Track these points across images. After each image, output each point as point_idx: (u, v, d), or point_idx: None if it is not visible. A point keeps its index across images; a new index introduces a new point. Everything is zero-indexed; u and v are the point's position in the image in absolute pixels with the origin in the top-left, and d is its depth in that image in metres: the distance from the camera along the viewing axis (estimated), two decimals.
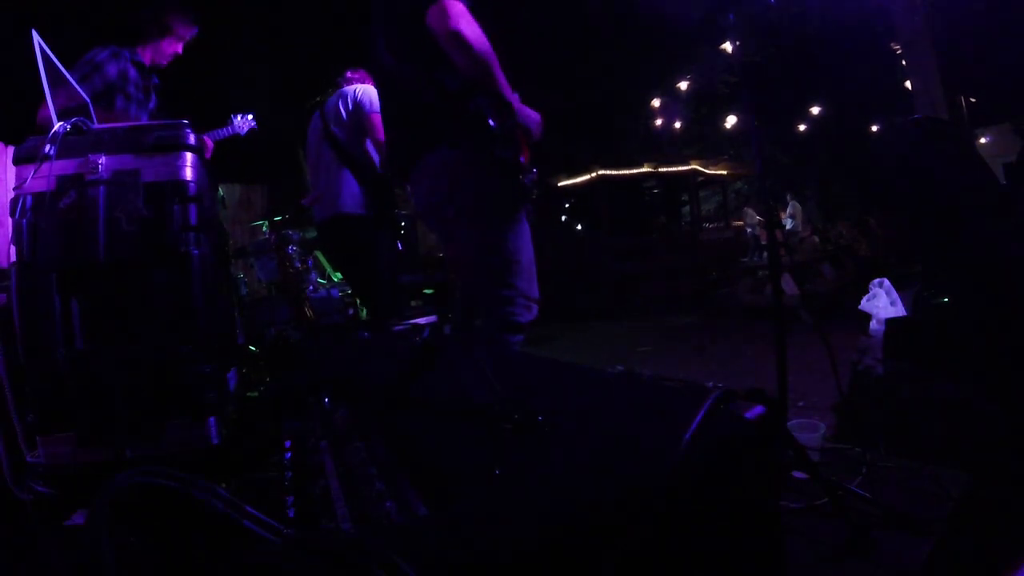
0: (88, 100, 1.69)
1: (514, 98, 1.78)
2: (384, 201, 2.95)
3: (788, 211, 10.59)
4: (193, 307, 1.20)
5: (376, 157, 2.92)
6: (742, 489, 0.55)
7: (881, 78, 10.71)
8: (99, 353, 1.14)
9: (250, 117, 3.04)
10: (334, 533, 0.57)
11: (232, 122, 2.98)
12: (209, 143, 2.77)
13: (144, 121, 2.51)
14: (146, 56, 2.55)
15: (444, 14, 1.59)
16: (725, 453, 0.54)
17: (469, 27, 1.61)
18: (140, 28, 2.53)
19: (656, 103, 11.88)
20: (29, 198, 1.16)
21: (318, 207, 3.03)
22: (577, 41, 10.19)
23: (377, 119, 2.80)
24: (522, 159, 1.79)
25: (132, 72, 2.46)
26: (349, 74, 3.05)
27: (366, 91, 2.91)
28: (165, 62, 2.64)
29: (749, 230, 9.82)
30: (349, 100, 2.93)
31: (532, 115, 1.86)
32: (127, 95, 2.44)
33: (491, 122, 1.68)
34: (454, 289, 2.10)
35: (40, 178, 1.15)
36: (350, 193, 2.87)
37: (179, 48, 2.65)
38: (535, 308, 1.85)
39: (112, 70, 2.37)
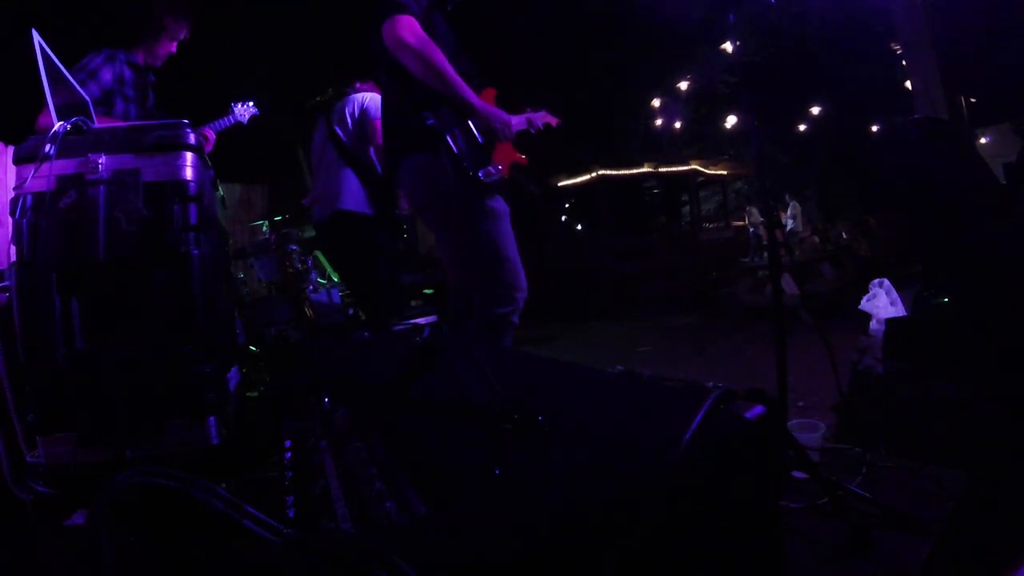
0: (88, 100, 1.69)
1: (476, 100, 1.88)
2: (385, 202, 2.97)
3: (789, 211, 10.59)
4: (193, 307, 1.20)
5: (378, 163, 2.94)
6: (742, 489, 0.55)
7: (881, 78, 10.71)
8: (99, 353, 1.14)
9: (251, 104, 2.99)
10: (334, 533, 0.57)
11: (233, 111, 2.93)
12: (211, 135, 2.76)
13: (142, 121, 2.51)
14: (140, 56, 2.55)
15: (392, 26, 1.76)
16: (725, 453, 0.54)
17: (413, 36, 1.76)
18: (134, 29, 2.53)
19: (656, 103, 11.87)
20: (29, 198, 1.16)
21: (318, 207, 3.04)
22: (577, 41, 10.19)
23: (380, 125, 2.83)
24: (486, 159, 1.91)
25: (128, 73, 2.47)
26: (359, 84, 3.09)
27: (374, 99, 2.96)
28: (159, 63, 2.64)
29: (752, 229, 9.81)
30: (356, 106, 2.98)
31: (499, 115, 1.96)
32: (125, 97, 2.45)
33: (446, 134, 1.82)
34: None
35: (40, 178, 1.15)
36: (350, 191, 2.89)
37: (173, 48, 2.65)
38: (521, 298, 1.95)
39: (107, 75, 2.38)
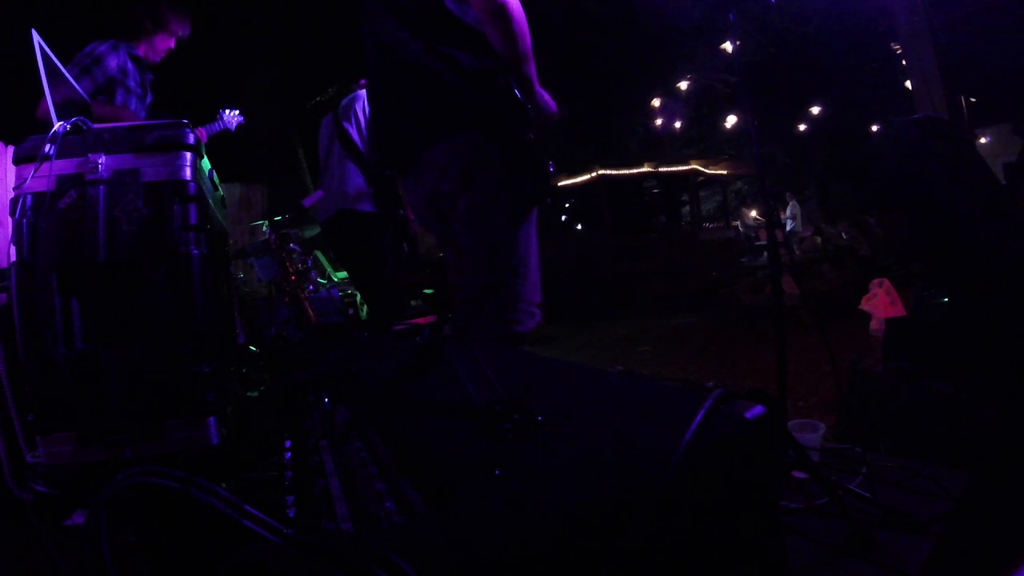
0: (88, 99, 1.69)
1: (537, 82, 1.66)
2: (390, 202, 2.95)
3: (788, 211, 10.59)
4: (193, 307, 1.20)
5: None
6: (742, 489, 0.55)
7: (881, 78, 10.72)
8: (99, 353, 1.14)
9: (237, 112, 3.04)
10: (334, 533, 0.57)
11: (221, 117, 2.98)
12: (203, 135, 2.80)
13: (142, 117, 2.53)
14: (140, 50, 2.57)
15: None
16: (725, 453, 0.54)
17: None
18: (135, 22, 2.55)
19: (656, 103, 11.88)
20: (29, 198, 1.16)
21: (322, 205, 3.04)
22: (577, 41, 10.19)
23: None
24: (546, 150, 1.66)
25: (130, 66, 2.49)
26: (364, 81, 3.06)
27: None
28: (159, 58, 2.66)
29: (742, 230, 9.82)
30: (367, 105, 2.93)
31: (550, 101, 1.73)
32: (127, 88, 2.47)
33: (523, 101, 1.56)
34: (452, 292, 1.95)
35: (40, 178, 1.15)
36: (356, 190, 2.88)
37: (172, 44, 2.67)
38: (538, 314, 1.73)
39: (112, 63, 2.40)
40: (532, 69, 1.61)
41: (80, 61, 2.34)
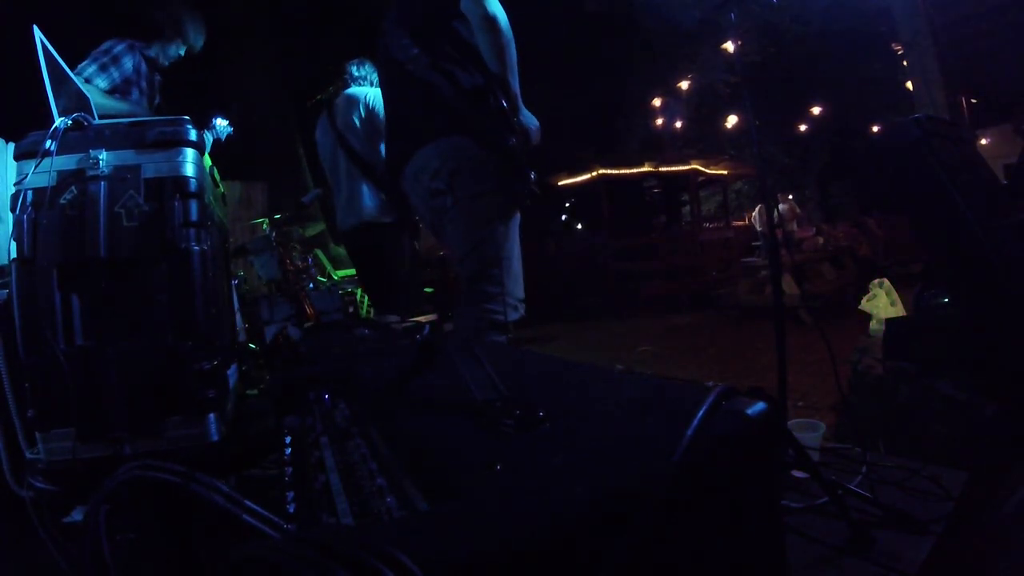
0: (89, 97, 1.69)
1: (520, 100, 1.80)
2: (404, 204, 2.93)
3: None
4: (193, 304, 1.20)
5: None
6: (743, 487, 0.55)
7: (881, 78, 10.73)
8: (99, 349, 1.14)
9: (226, 123, 3.05)
10: (335, 528, 0.57)
11: (213, 125, 2.98)
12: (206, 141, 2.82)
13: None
14: (152, 53, 2.61)
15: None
16: (726, 451, 0.54)
17: (502, 13, 1.70)
18: (155, 27, 2.60)
19: (656, 103, 11.86)
20: (30, 193, 1.16)
21: (342, 215, 3.01)
22: (578, 41, 10.19)
23: None
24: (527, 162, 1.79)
25: (144, 67, 2.54)
26: (355, 71, 3.00)
27: (378, 96, 2.83)
28: (168, 63, 2.69)
29: (760, 229, 9.78)
30: (362, 106, 2.87)
31: (532, 118, 1.86)
32: (140, 89, 2.52)
33: (510, 123, 1.73)
34: (456, 286, 2.04)
35: (41, 174, 1.15)
36: (371, 201, 2.86)
37: (181, 52, 2.72)
38: (521, 308, 1.86)
39: (129, 64, 2.47)
40: (516, 83, 1.76)
41: (97, 58, 2.38)
